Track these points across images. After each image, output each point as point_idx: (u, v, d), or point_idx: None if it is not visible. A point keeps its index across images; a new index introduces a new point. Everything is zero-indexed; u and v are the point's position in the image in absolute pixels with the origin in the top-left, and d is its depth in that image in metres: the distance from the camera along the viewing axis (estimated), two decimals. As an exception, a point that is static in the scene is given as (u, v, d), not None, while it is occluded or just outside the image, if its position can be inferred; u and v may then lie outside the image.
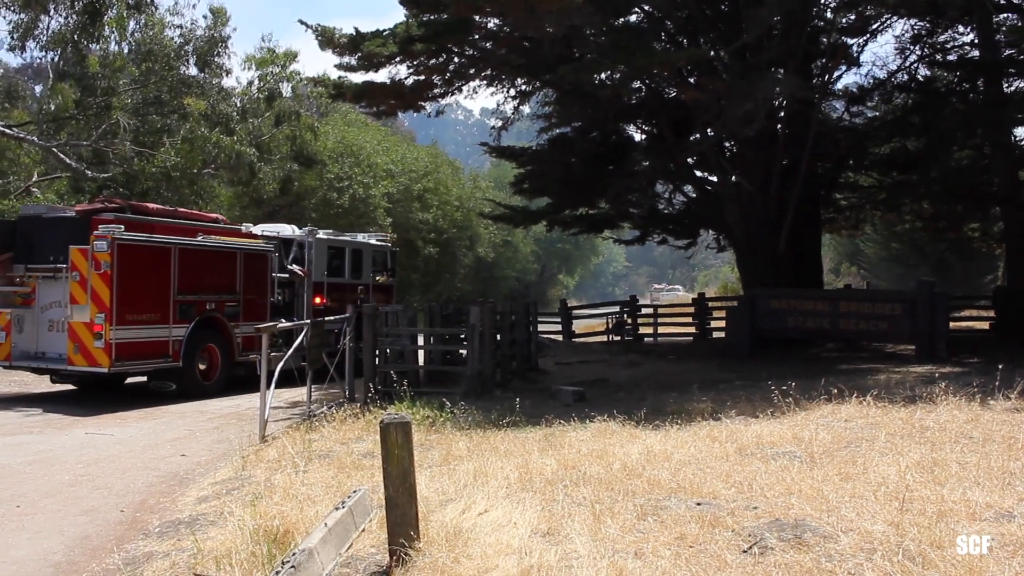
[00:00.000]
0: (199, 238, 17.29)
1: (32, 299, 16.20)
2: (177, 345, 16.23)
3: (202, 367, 17.10)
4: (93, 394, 16.95)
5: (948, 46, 25.21)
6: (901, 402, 11.05)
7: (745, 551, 5.61)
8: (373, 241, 23.04)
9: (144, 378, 17.13)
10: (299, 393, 15.20)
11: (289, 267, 19.59)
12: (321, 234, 20.89)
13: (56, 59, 25.99)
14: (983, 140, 24.00)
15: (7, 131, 24.94)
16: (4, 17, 23.92)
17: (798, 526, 5.98)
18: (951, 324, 21.52)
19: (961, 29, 24.38)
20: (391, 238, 25.09)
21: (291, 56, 31.29)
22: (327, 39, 20.38)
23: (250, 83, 30.78)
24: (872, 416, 10.19)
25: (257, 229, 20.45)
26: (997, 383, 11.06)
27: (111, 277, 14.86)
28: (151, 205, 18.62)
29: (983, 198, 25.33)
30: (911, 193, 25.82)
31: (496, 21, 20.23)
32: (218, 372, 17.35)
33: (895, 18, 22.78)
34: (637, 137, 27.24)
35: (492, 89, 24.99)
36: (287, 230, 21.04)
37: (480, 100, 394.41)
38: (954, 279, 38.45)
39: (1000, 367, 11.87)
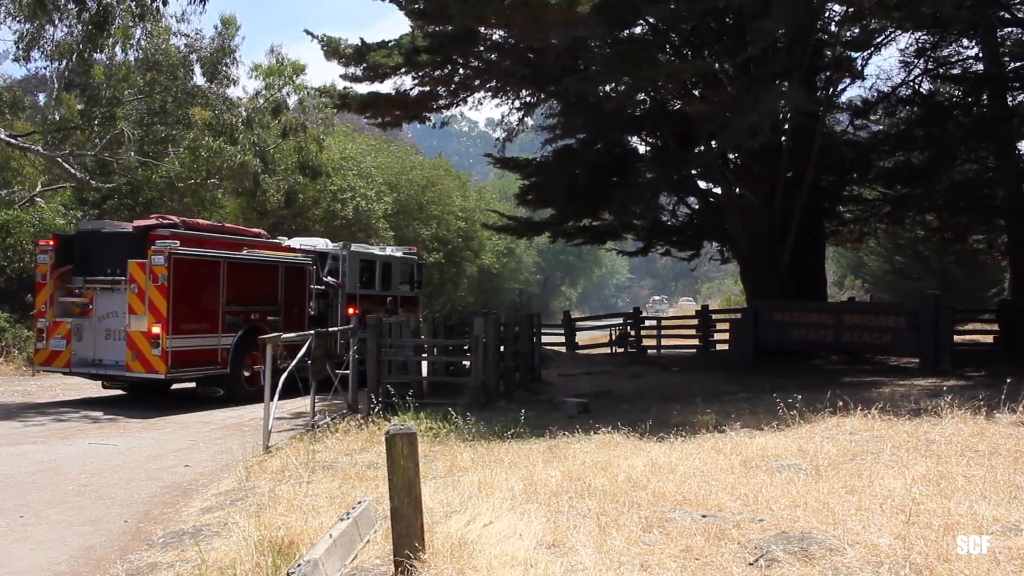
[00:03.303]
0: (244, 252, 18.16)
1: (90, 309, 16.97)
2: (225, 353, 17.07)
3: (246, 374, 17.65)
4: (98, 403, 17.02)
5: (952, 60, 25.27)
6: (906, 415, 11.04)
7: (751, 564, 5.59)
8: (400, 254, 23.89)
9: (193, 384, 17.81)
10: (302, 404, 15.20)
11: (325, 279, 20.40)
12: (354, 247, 21.78)
13: (61, 69, 26.04)
14: (987, 153, 24.03)
15: (12, 141, 24.99)
16: (10, 27, 23.97)
17: (804, 539, 5.96)
18: (956, 337, 21.50)
19: (965, 43, 24.46)
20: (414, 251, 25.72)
21: (299, 69, 31.31)
22: (333, 50, 20.42)
23: (257, 93, 30.80)
24: (877, 429, 10.17)
25: (295, 243, 21.35)
26: (1003, 396, 11.02)
27: (168, 289, 15.72)
28: (201, 221, 19.73)
29: (988, 211, 25.33)
30: (915, 206, 25.87)
31: (501, 32, 20.25)
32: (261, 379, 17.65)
33: (899, 32, 22.82)
34: (641, 149, 27.30)
35: (497, 100, 25.05)
36: (321, 243, 21.90)
37: (485, 111, 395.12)
38: (958, 292, 38.37)
39: (1006, 380, 11.82)
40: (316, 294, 20.13)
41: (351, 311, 20.42)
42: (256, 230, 20.95)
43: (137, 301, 15.99)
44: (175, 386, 18.43)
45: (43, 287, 17.25)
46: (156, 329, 15.77)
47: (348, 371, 15.58)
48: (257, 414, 13.54)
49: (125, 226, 18.12)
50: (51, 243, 17.38)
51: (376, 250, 23.48)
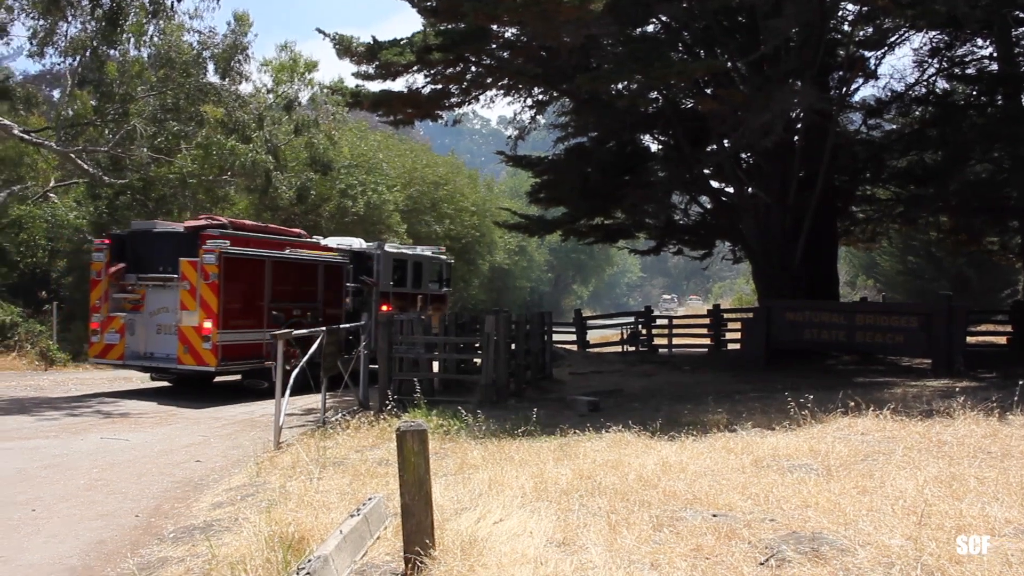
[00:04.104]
0: (287, 251, 19.04)
1: (141, 305, 18.00)
2: (270, 347, 17.36)
3: (288, 368, 17.85)
4: (110, 398, 17.11)
5: (966, 59, 25.10)
6: (918, 416, 11.00)
7: (762, 563, 5.58)
8: (430, 253, 24.93)
9: (239, 377, 18.70)
10: (313, 400, 15.22)
11: (361, 277, 21.31)
12: (387, 247, 22.78)
13: (75, 65, 26.08)
14: (1002, 154, 23.86)
15: (26, 136, 25.07)
16: (24, 24, 24.02)
17: (815, 539, 5.95)
18: (968, 338, 21.40)
19: (980, 42, 24.29)
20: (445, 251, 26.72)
21: (311, 66, 31.31)
22: (345, 48, 20.42)
23: (269, 90, 30.79)
24: (889, 429, 10.14)
25: (332, 242, 22.30)
26: (1016, 398, 10.99)
27: (218, 286, 16.75)
28: (247, 222, 20.81)
29: (1002, 212, 25.19)
30: (928, 206, 25.72)
31: (514, 30, 20.26)
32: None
33: (913, 31, 22.70)
34: (654, 147, 27.24)
35: (509, 98, 25.03)
36: (357, 243, 22.95)
37: (497, 109, 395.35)
38: (971, 293, 38.25)
39: (1019, 382, 11.76)
40: (352, 291, 20.95)
41: (384, 308, 21.11)
42: (296, 230, 21.75)
43: (189, 298, 16.89)
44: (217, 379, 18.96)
45: (97, 284, 18.17)
46: (207, 324, 16.67)
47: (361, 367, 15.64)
48: (268, 410, 13.57)
49: (176, 226, 19.07)
50: (106, 242, 18.35)
51: (407, 250, 24.50)
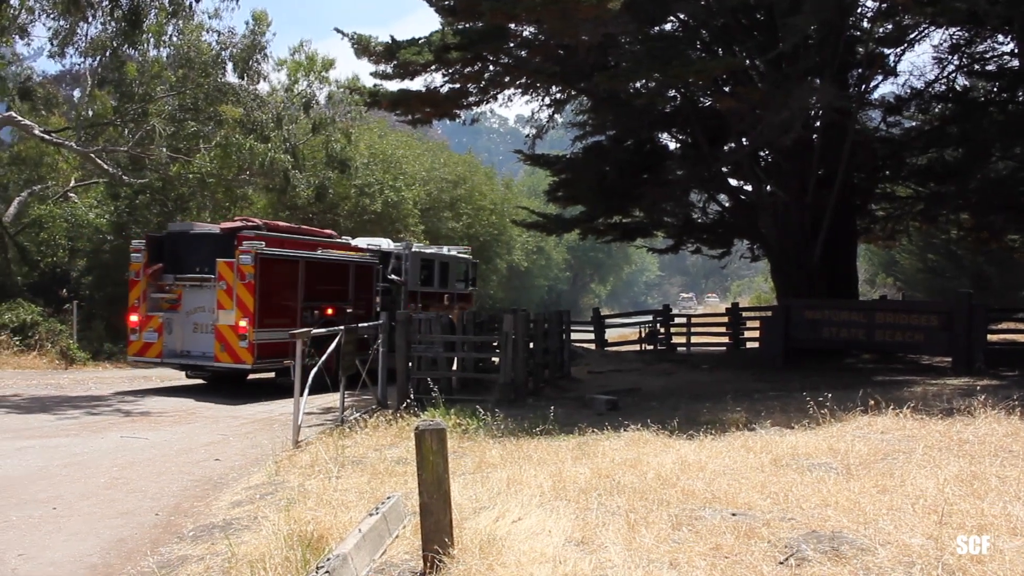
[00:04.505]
0: (319, 252, 19.44)
1: (178, 304, 18.57)
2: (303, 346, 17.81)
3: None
4: (129, 397, 17.20)
5: (987, 56, 24.84)
6: (939, 414, 10.93)
7: (781, 563, 5.56)
8: (455, 253, 25.45)
9: (272, 375, 19.32)
10: (331, 399, 15.24)
11: (390, 277, 21.76)
12: (416, 247, 23.33)
13: (95, 65, 26.23)
14: (1022, 150, 23.67)
15: (46, 137, 25.22)
16: (44, 24, 24.18)
17: (835, 538, 5.92)
18: (989, 336, 21.25)
19: (1000, 39, 24.04)
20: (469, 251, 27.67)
21: (328, 64, 31.38)
22: (363, 47, 20.44)
23: (287, 89, 30.87)
24: (909, 428, 10.08)
25: (361, 243, 22.72)
26: (1038, 396, 10.91)
27: (254, 286, 17.21)
28: (281, 223, 21.33)
29: (1022, 209, 24.99)
30: (949, 204, 25.53)
31: (531, 29, 20.21)
32: (333, 371, 18.11)
33: (933, 28, 22.52)
34: (672, 146, 27.15)
35: (527, 97, 24.95)
36: (385, 243, 23.43)
37: (515, 108, 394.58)
38: (992, 291, 37.99)
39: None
40: (382, 291, 21.31)
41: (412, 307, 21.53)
42: (328, 231, 22.19)
43: (226, 297, 17.33)
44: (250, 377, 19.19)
45: (136, 284, 18.74)
46: (243, 323, 17.12)
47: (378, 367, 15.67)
48: (287, 409, 13.62)
49: (212, 227, 19.58)
50: (144, 243, 18.86)
51: (434, 250, 25.06)
